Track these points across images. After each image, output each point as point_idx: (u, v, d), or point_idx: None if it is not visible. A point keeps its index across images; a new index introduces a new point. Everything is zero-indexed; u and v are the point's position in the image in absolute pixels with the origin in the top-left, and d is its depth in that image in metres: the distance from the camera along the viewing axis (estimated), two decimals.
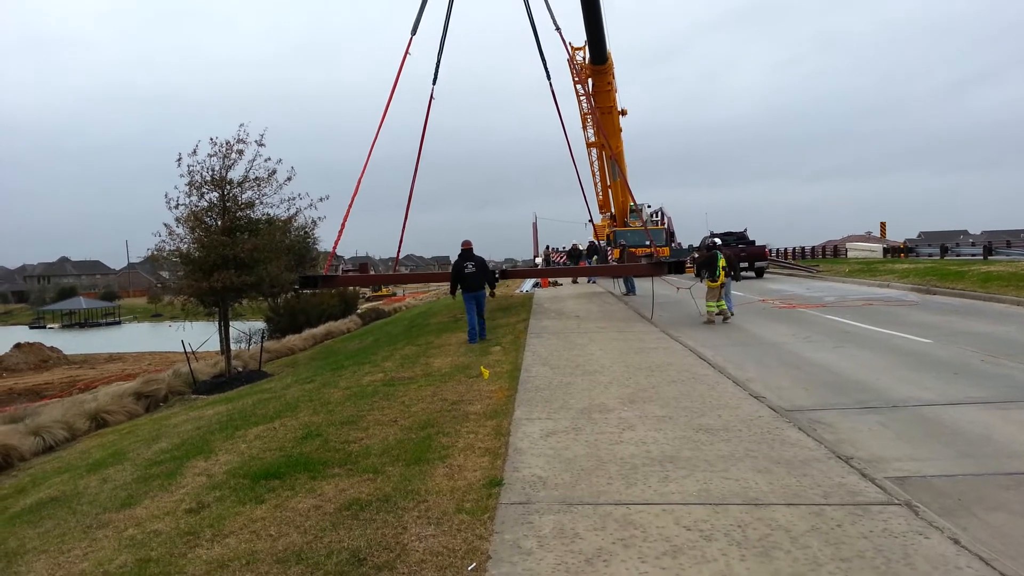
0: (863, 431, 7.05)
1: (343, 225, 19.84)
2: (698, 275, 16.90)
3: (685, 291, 18.92)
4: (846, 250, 48.28)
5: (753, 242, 32.76)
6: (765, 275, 32.71)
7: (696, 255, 33.25)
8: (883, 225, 53.82)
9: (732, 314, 16.38)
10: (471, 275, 14.02)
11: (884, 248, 44.32)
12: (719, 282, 16.06)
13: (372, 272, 29.41)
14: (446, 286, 17.13)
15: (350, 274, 24.14)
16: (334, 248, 21.28)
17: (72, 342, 53.45)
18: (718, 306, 16.06)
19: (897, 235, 58.67)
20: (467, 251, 14.26)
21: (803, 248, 51.54)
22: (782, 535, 4.36)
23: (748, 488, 5.16)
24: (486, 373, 9.98)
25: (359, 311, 40.07)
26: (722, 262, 16.23)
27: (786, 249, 51.25)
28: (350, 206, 19.63)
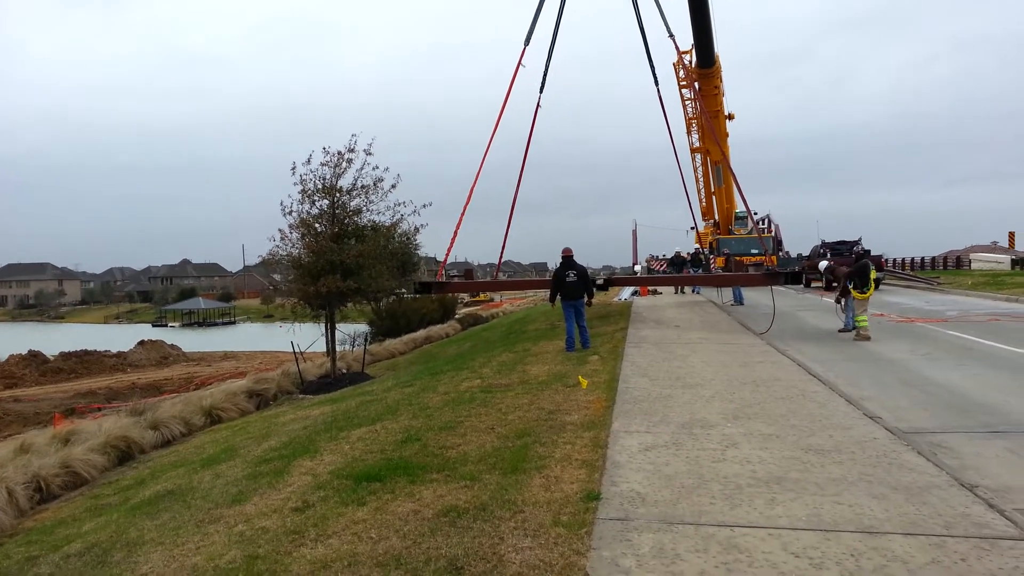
0: (989, 457, 6.55)
1: (455, 234, 20.31)
2: (848, 282, 15.91)
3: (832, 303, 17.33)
4: (969, 261, 45.48)
5: (868, 252, 31.23)
6: (881, 287, 31.14)
7: (807, 264, 32.18)
8: (1011, 235, 50.05)
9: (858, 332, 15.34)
10: (572, 284, 13.95)
11: (1012, 259, 41.44)
12: (869, 294, 15.08)
13: (476, 277, 29.79)
14: (546, 293, 17.15)
15: (460, 281, 24.65)
16: (446, 256, 21.90)
17: (191, 340, 56.67)
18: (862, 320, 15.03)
19: None
20: (568, 259, 14.20)
21: (922, 259, 48.84)
22: (899, 567, 4.09)
23: (862, 514, 4.88)
24: (584, 383, 9.89)
25: (457, 316, 40.67)
26: (874, 273, 15.24)
27: (904, 260, 48.67)
28: (462, 216, 20.10)
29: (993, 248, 60.59)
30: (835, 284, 16.98)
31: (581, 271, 14.17)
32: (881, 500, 5.15)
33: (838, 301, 16.61)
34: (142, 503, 7.36)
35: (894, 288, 32.55)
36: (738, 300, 24.33)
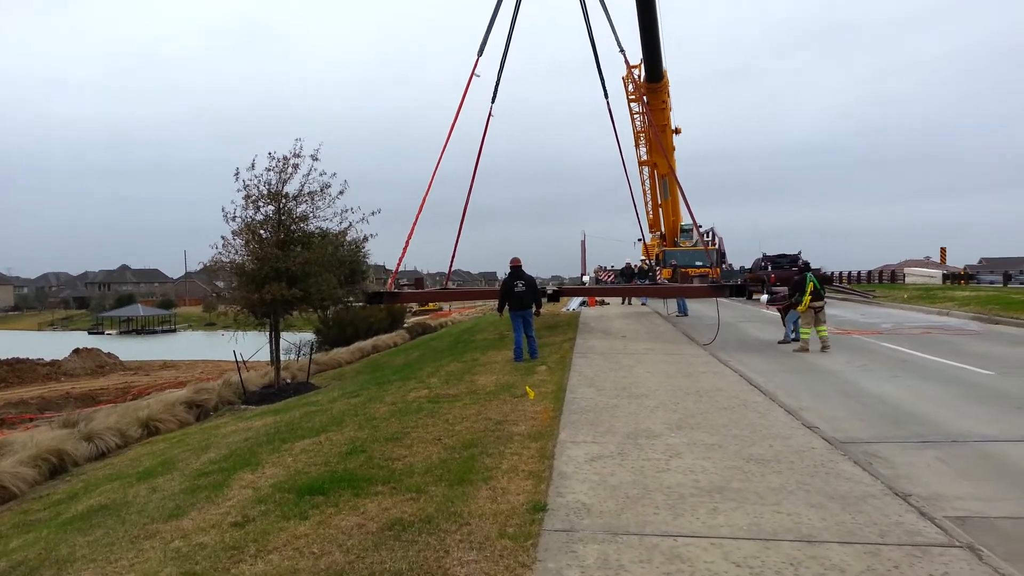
0: (921, 466, 6.79)
1: (407, 244, 20.23)
2: (789, 298, 16.02)
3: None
4: (904, 275, 47.09)
5: (807, 264, 32.05)
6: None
7: (749, 276, 32.91)
8: (943, 251, 52.27)
9: (793, 341, 15.65)
10: (520, 294, 13.99)
11: (944, 274, 43.07)
12: (804, 305, 15.10)
13: (425, 286, 29.47)
14: (496, 303, 17.21)
15: (411, 291, 24.41)
16: (398, 265, 21.78)
17: (129, 348, 54.97)
18: (818, 332, 15.04)
19: (957, 260, 56.93)
20: (516, 269, 14.24)
21: (859, 272, 50.38)
22: (836, 575, 4.19)
23: (800, 523, 4.99)
24: (531, 393, 9.91)
25: (406, 325, 40.36)
26: (810, 285, 15.22)
27: (841, 273, 50.12)
28: (413, 226, 20.04)
29: (926, 263, 62.97)
30: (779, 309, 17.42)
31: (529, 281, 14.21)
32: (819, 509, 5.27)
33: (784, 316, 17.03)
34: (74, 518, 7.11)
35: (831, 301, 33.44)
36: (682, 311, 24.73)
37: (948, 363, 13.10)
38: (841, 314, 25.16)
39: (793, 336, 16.19)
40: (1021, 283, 35.21)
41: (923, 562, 4.36)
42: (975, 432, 8.02)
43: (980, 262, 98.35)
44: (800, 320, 15.58)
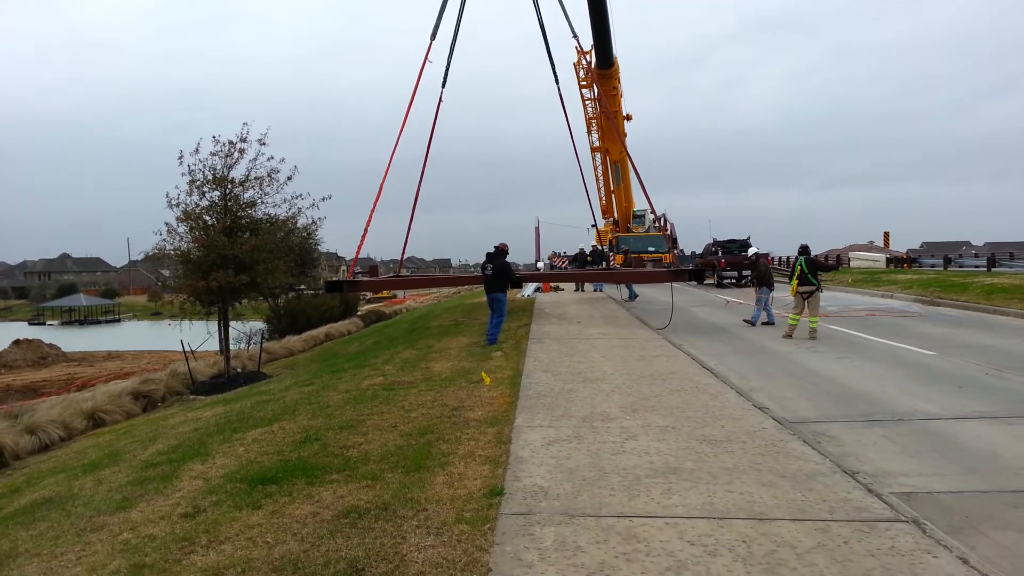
0: (868, 444, 6.97)
1: (365, 232, 19.93)
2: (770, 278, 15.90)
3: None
4: (849, 259, 48.17)
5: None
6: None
7: (700, 261, 33.38)
8: (886, 235, 53.65)
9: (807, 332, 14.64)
10: (488, 278, 14.25)
11: (887, 258, 44.19)
12: (793, 289, 14.85)
13: (379, 274, 29.00)
14: (451, 289, 17.17)
15: (370, 279, 23.93)
16: (357, 253, 21.49)
17: (71, 339, 53.40)
18: (809, 321, 14.58)
19: (899, 245, 58.48)
20: (490, 253, 14.46)
21: None
22: (787, 552, 4.28)
23: (753, 502, 5.08)
24: (487, 379, 9.90)
25: (360, 313, 39.96)
26: (798, 269, 14.85)
27: (788, 257, 51.08)
28: (371, 214, 19.71)
29: (870, 247, 64.43)
30: (754, 273, 17.65)
31: (499, 265, 14.30)
32: (770, 487, 5.37)
33: (757, 286, 17.27)
34: (16, 512, 6.88)
35: (779, 284, 34.08)
36: (631, 296, 24.99)
37: (892, 344, 13.48)
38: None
39: (764, 320, 16.47)
40: (960, 266, 36.33)
41: (871, 537, 4.48)
42: (919, 410, 8.27)
43: (921, 246, 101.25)
44: (795, 305, 15.07)
